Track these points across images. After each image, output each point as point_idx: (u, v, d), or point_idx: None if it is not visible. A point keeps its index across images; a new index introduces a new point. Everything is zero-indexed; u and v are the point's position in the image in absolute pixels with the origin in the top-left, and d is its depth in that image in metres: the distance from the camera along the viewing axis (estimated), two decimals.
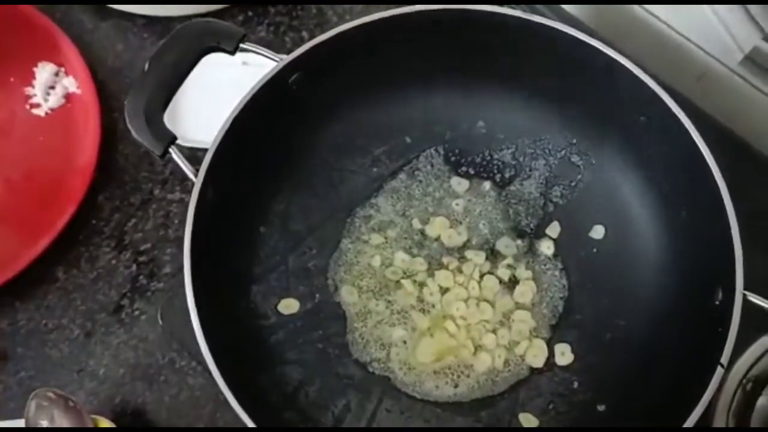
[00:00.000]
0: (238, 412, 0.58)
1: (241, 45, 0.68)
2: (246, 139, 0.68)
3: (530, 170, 0.79)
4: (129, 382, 0.76)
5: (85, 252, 0.82)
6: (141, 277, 0.81)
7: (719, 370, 0.59)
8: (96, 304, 0.80)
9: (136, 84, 0.65)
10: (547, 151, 0.79)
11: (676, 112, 0.66)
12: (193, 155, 0.73)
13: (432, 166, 0.79)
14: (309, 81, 0.71)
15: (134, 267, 0.82)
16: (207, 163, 0.64)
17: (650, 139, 0.71)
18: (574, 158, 0.79)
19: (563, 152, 0.79)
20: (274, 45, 0.90)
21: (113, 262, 0.82)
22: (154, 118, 0.63)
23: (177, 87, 0.66)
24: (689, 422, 0.57)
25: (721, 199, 0.63)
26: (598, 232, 0.76)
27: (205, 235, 0.63)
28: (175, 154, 0.63)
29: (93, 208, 0.84)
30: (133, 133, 0.63)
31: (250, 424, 0.57)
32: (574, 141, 0.78)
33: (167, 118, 0.80)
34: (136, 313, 0.79)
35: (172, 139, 0.63)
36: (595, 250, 0.75)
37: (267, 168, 0.74)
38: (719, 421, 0.70)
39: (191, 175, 0.63)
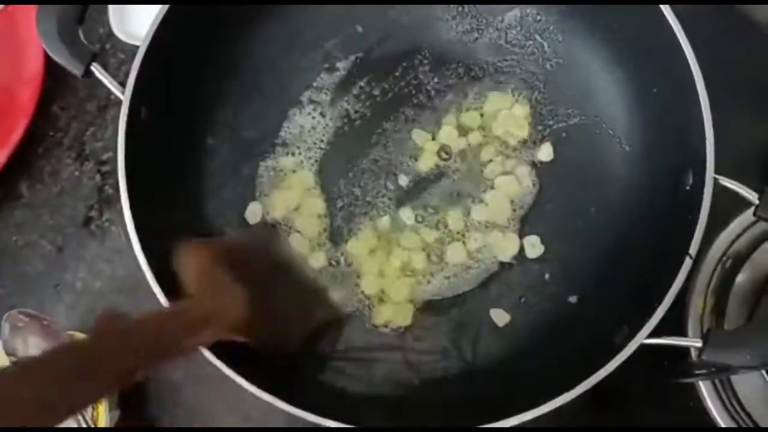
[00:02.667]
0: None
1: None
2: (180, 43, 0.63)
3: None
4: (107, 293, 0.77)
5: (46, 166, 0.80)
6: (106, 187, 0.80)
7: (688, 261, 0.56)
8: (64, 217, 0.79)
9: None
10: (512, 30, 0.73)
11: None
12: None
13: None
14: None
15: (98, 177, 0.80)
16: (134, 78, 0.60)
17: (616, 13, 0.65)
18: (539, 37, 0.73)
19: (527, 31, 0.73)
20: None
21: (76, 173, 0.80)
22: (69, 35, 0.58)
23: None
24: (659, 312, 0.55)
25: (692, 77, 0.57)
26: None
27: (143, 155, 0.61)
28: (98, 71, 0.59)
29: (48, 119, 0.81)
30: (50, 53, 0.59)
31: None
32: (539, 18, 0.72)
33: (116, 18, 0.77)
34: (107, 224, 0.78)
35: (92, 55, 0.59)
36: (564, 134, 0.71)
37: (207, 76, 0.70)
38: (698, 300, 0.68)
39: (119, 94, 0.59)
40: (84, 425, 0.68)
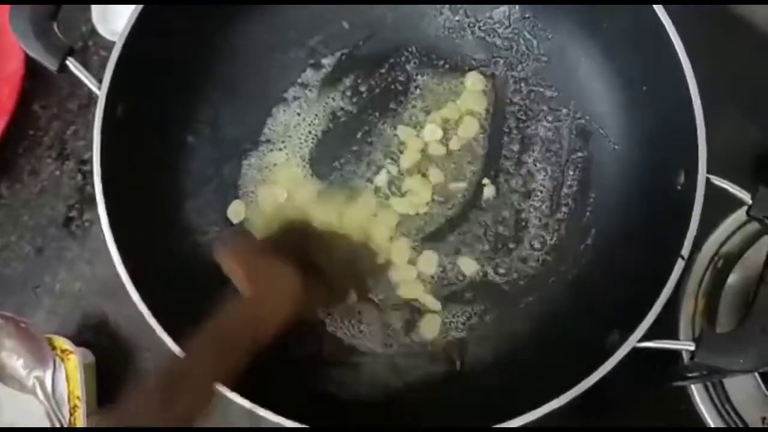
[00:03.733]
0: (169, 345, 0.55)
1: None
2: (157, 39, 0.61)
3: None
4: (88, 295, 0.75)
5: (26, 165, 0.78)
6: (87, 186, 0.78)
7: (680, 262, 0.54)
8: (44, 218, 0.77)
9: None
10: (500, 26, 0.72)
11: None
12: None
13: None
14: None
15: (79, 177, 0.78)
16: (110, 73, 0.58)
17: (604, 10, 0.64)
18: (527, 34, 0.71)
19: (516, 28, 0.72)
20: None
21: (57, 173, 0.78)
22: (43, 30, 0.56)
23: None
24: (650, 316, 0.54)
25: (684, 75, 0.56)
26: None
27: (121, 153, 0.59)
28: (73, 65, 0.58)
29: (29, 117, 0.79)
30: (24, 47, 0.57)
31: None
32: (527, 15, 0.71)
33: (99, 15, 0.75)
34: (87, 224, 0.77)
35: (67, 50, 0.57)
36: None
37: (188, 73, 0.68)
38: (689, 302, 0.67)
39: (94, 89, 0.58)
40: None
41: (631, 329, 0.52)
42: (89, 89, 0.76)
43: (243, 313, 0.53)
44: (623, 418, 0.68)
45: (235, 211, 0.70)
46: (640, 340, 0.52)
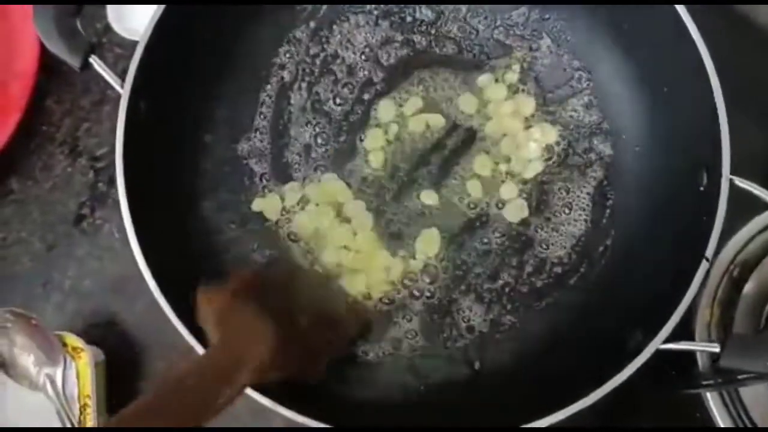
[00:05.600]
0: (190, 342, 0.55)
1: None
2: (178, 39, 0.61)
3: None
4: (97, 293, 0.74)
5: (38, 161, 0.78)
6: (100, 184, 0.77)
7: (704, 264, 0.54)
8: (55, 215, 0.77)
9: None
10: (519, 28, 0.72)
11: None
12: None
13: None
14: None
15: (91, 174, 0.78)
16: (134, 70, 0.58)
17: (625, 10, 0.64)
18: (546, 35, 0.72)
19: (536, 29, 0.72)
20: None
21: (69, 169, 0.78)
22: (67, 28, 0.56)
23: None
24: (675, 316, 0.53)
25: (707, 74, 0.56)
26: None
27: (140, 150, 0.59)
28: (96, 63, 0.57)
29: (42, 113, 0.79)
30: (48, 46, 0.57)
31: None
32: (547, 16, 0.71)
33: (114, 13, 0.75)
34: (99, 222, 0.76)
35: (90, 47, 0.57)
36: None
37: (207, 72, 0.68)
38: (704, 311, 0.67)
39: (117, 87, 0.57)
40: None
41: (654, 330, 0.52)
42: (103, 86, 0.78)
43: (208, 362, 0.51)
44: (637, 424, 0.67)
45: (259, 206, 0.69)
46: (664, 342, 0.52)
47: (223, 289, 0.54)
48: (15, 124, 0.75)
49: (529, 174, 0.69)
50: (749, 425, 0.64)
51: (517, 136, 0.69)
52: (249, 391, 0.52)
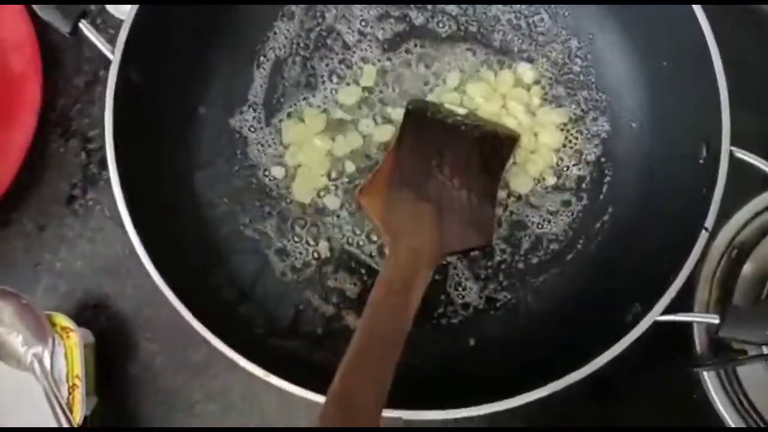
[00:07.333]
0: (186, 317, 0.54)
1: None
2: (171, 8, 0.61)
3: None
4: (88, 274, 0.73)
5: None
6: (91, 165, 0.76)
7: (704, 234, 0.54)
8: (47, 196, 0.75)
9: None
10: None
11: None
12: None
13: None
14: None
15: (83, 155, 0.77)
16: (123, 40, 0.57)
17: None
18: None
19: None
20: None
21: (61, 150, 0.77)
22: None
23: None
24: (672, 290, 0.53)
25: (706, 45, 0.56)
26: None
27: (133, 122, 0.58)
28: (86, 28, 0.57)
29: None
30: (38, 10, 0.56)
31: (200, 328, 0.53)
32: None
33: None
34: (90, 203, 0.75)
35: (81, 11, 0.56)
36: None
37: (202, 41, 0.67)
38: (703, 291, 0.67)
39: (108, 54, 0.57)
40: (59, 410, 0.64)
41: (653, 302, 0.51)
42: (96, 66, 0.77)
43: (394, 272, 0.52)
44: (633, 404, 0.67)
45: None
46: (662, 314, 0.51)
47: (375, 184, 0.56)
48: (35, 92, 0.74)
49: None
50: (746, 404, 0.64)
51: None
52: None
